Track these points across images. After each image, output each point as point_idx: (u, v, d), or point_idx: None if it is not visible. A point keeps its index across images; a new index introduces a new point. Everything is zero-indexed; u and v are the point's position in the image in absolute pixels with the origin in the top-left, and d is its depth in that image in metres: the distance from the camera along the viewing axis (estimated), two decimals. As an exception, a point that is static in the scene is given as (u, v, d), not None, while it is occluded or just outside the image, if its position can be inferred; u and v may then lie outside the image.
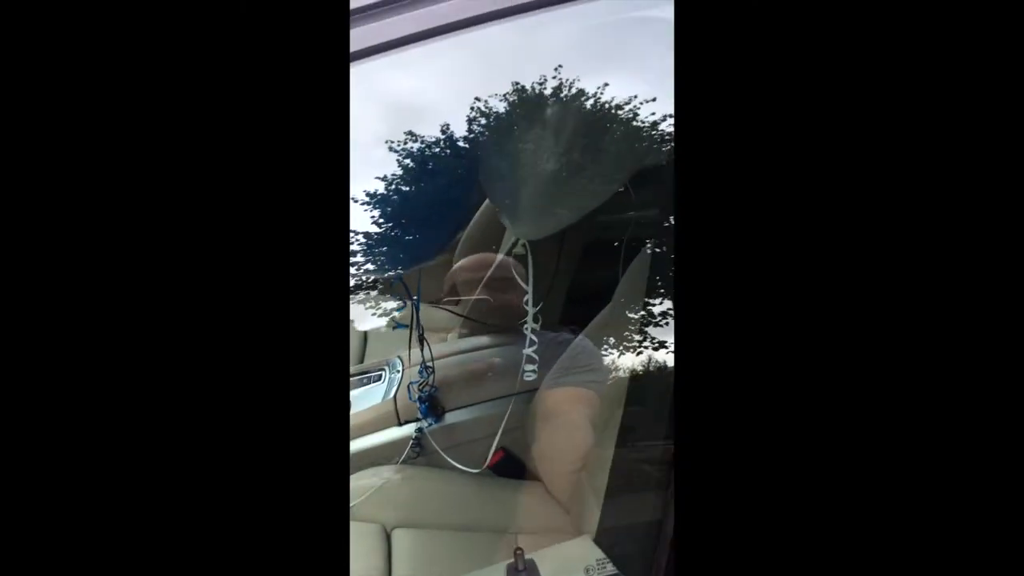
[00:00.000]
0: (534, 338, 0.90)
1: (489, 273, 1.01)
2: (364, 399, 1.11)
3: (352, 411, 1.08)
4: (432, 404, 1.01)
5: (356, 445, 1.04)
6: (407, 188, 0.67)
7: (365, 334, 1.57)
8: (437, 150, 0.65)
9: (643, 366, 0.84)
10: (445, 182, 0.69)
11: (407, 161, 0.67)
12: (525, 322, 0.90)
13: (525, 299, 0.88)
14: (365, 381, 1.17)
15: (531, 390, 1.03)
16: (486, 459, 1.00)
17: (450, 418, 1.04)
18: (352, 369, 1.24)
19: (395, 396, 1.07)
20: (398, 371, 1.14)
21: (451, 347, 1.19)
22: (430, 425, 1.01)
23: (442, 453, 0.99)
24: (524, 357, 0.87)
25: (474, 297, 1.04)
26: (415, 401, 1.01)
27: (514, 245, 0.94)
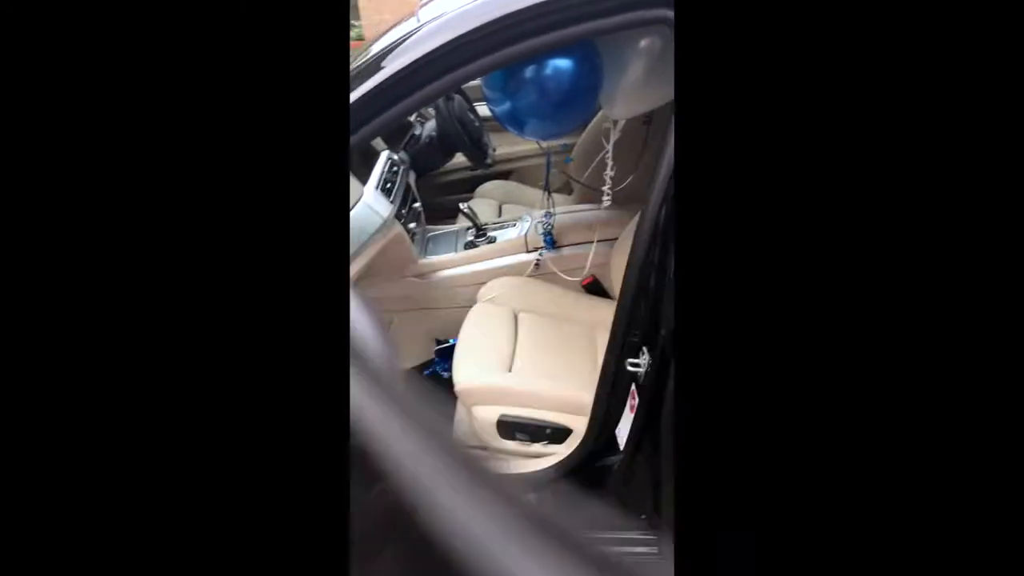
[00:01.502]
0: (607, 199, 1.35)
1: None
2: (504, 235, 1.68)
3: (497, 242, 1.65)
4: (551, 238, 1.55)
5: (498, 262, 1.62)
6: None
7: (500, 206, 2.14)
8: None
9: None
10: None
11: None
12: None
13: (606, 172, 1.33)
14: (505, 226, 1.73)
15: (615, 238, 1.52)
16: (582, 280, 1.54)
17: (563, 250, 1.58)
18: (495, 220, 1.81)
19: (525, 234, 1.62)
20: (527, 221, 1.68)
21: (568, 206, 1.71)
22: (549, 252, 1.55)
23: (557, 271, 1.54)
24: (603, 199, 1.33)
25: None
26: (540, 235, 1.55)
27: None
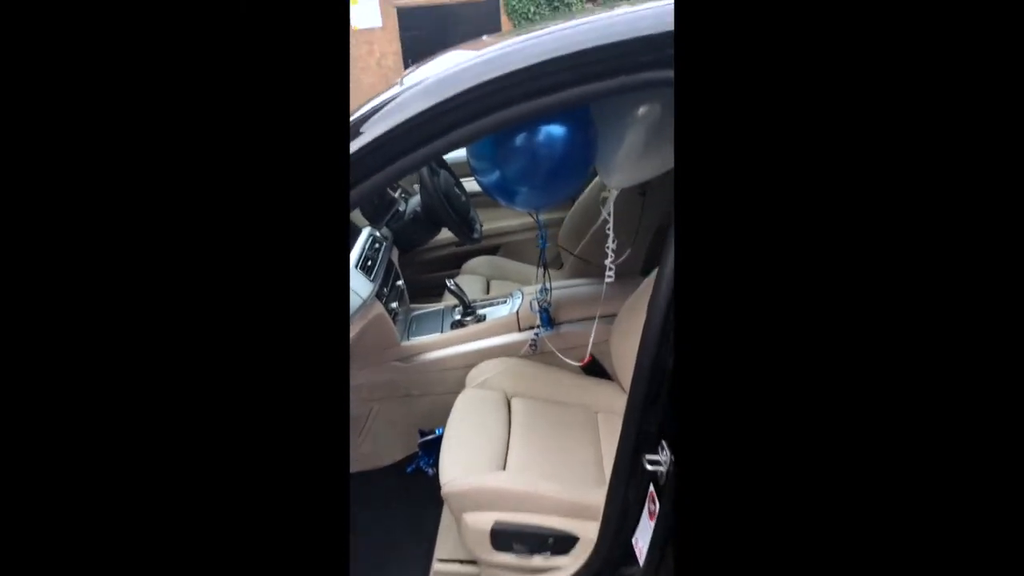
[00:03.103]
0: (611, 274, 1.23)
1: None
2: (493, 313, 1.56)
3: (486, 320, 1.54)
4: (547, 316, 1.44)
5: (488, 343, 1.49)
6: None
7: (488, 282, 2.05)
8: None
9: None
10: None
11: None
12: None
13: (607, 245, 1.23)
14: (495, 303, 1.62)
15: (613, 315, 1.42)
16: (581, 360, 1.41)
17: (560, 328, 1.46)
18: (483, 297, 1.71)
19: (517, 311, 1.51)
20: (519, 297, 1.57)
21: (563, 281, 1.61)
22: (546, 331, 1.43)
23: (556, 352, 1.41)
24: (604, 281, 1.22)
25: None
26: (535, 312, 1.44)
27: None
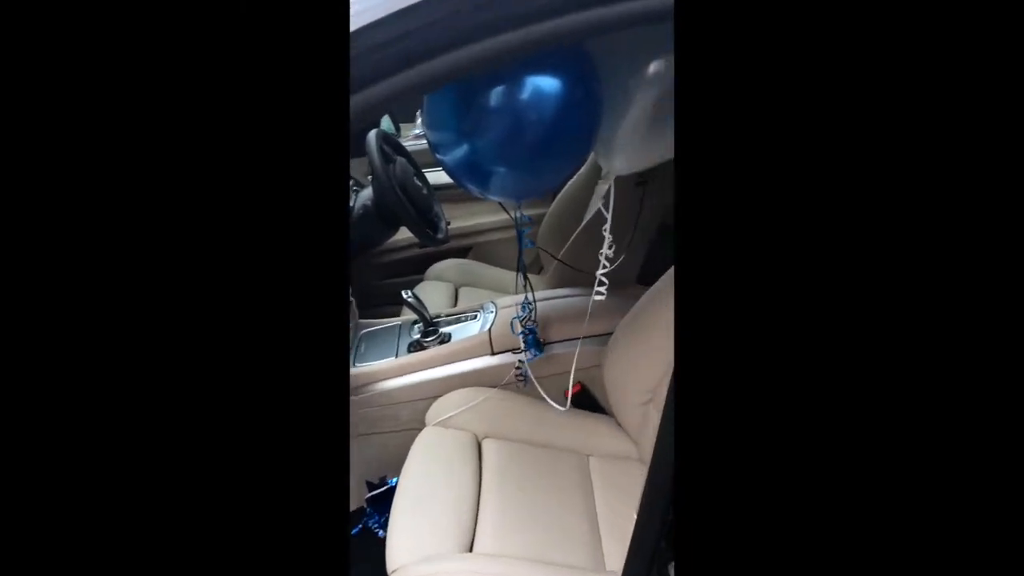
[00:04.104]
0: (602, 289, 0.93)
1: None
2: (460, 332, 1.28)
3: (452, 341, 1.25)
4: (535, 338, 1.15)
5: (454, 369, 1.21)
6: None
7: (456, 289, 1.76)
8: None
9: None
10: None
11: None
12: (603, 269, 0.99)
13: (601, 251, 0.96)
14: (463, 319, 1.33)
15: (608, 333, 1.15)
16: (565, 391, 1.14)
17: (546, 351, 1.18)
18: (448, 311, 1.42)
19: (490, 330, 1.22)
20: (491, 312, 1.29)
21: (545, 291, 1.34)
22: (533, 357, 1.15)
23: (537, 385, 1.13)
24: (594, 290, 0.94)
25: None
26: (519, 335, 1.15)
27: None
